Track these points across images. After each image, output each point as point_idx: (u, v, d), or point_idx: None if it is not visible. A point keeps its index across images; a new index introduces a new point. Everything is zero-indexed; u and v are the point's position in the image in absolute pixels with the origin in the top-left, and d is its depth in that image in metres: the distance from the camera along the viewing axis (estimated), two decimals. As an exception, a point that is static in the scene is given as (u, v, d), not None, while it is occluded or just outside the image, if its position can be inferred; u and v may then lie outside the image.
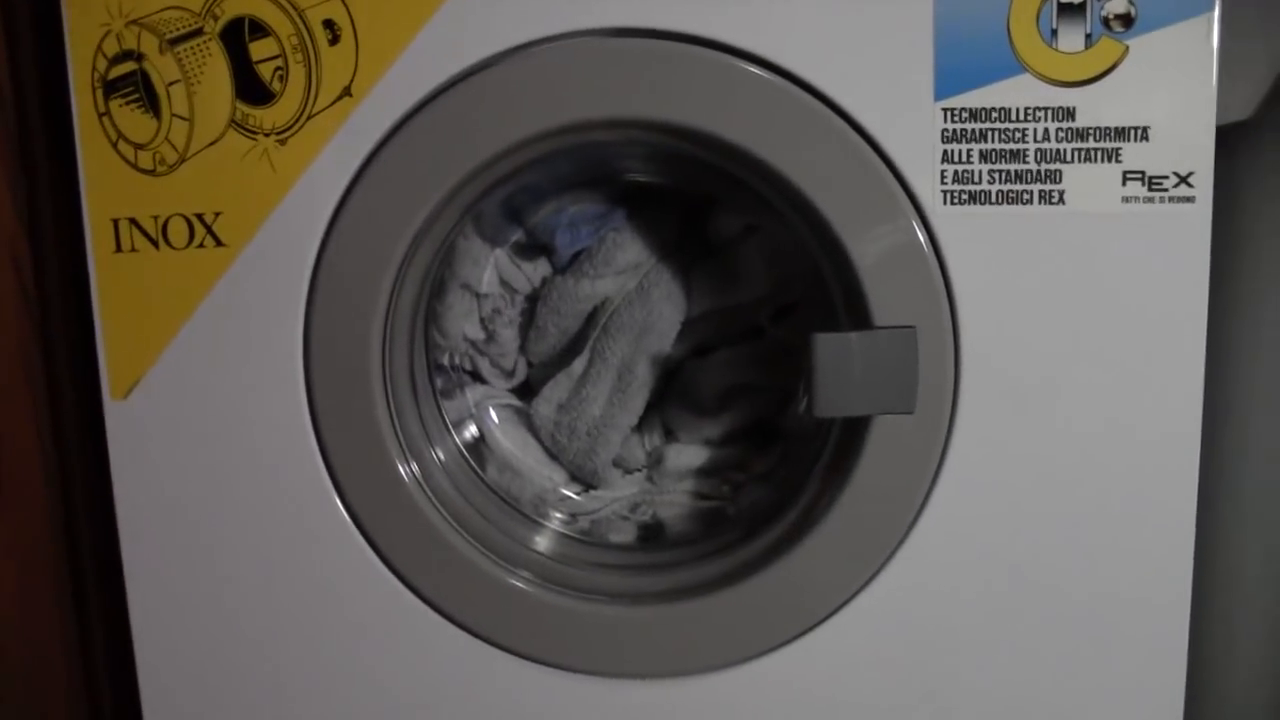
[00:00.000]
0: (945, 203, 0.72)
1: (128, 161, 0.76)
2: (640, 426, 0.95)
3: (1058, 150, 0.71)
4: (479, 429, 0.95)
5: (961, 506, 0.76)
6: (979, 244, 0.73)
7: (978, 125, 0.72)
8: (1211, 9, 0.69)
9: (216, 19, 0.74)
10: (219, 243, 0.77)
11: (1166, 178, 0.71)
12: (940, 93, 0.71)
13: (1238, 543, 0.88)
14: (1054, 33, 0.70)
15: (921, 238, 0.73)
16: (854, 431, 0.77)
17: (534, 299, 0.94)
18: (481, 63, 0.74)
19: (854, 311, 0.75)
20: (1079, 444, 0.75)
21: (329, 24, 0.73)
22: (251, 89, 0.75)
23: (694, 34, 0.72)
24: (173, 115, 0.76)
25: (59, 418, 0.86)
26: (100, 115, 0.76)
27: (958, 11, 0.70)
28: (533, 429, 0.96)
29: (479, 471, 0.92)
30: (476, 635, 0.81)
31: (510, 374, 0.96)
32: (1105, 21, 0.70)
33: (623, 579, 0.86)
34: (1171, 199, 0.71)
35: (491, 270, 0.92)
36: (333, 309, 0.77)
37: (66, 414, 0.86)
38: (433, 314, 0.90)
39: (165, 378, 0.79)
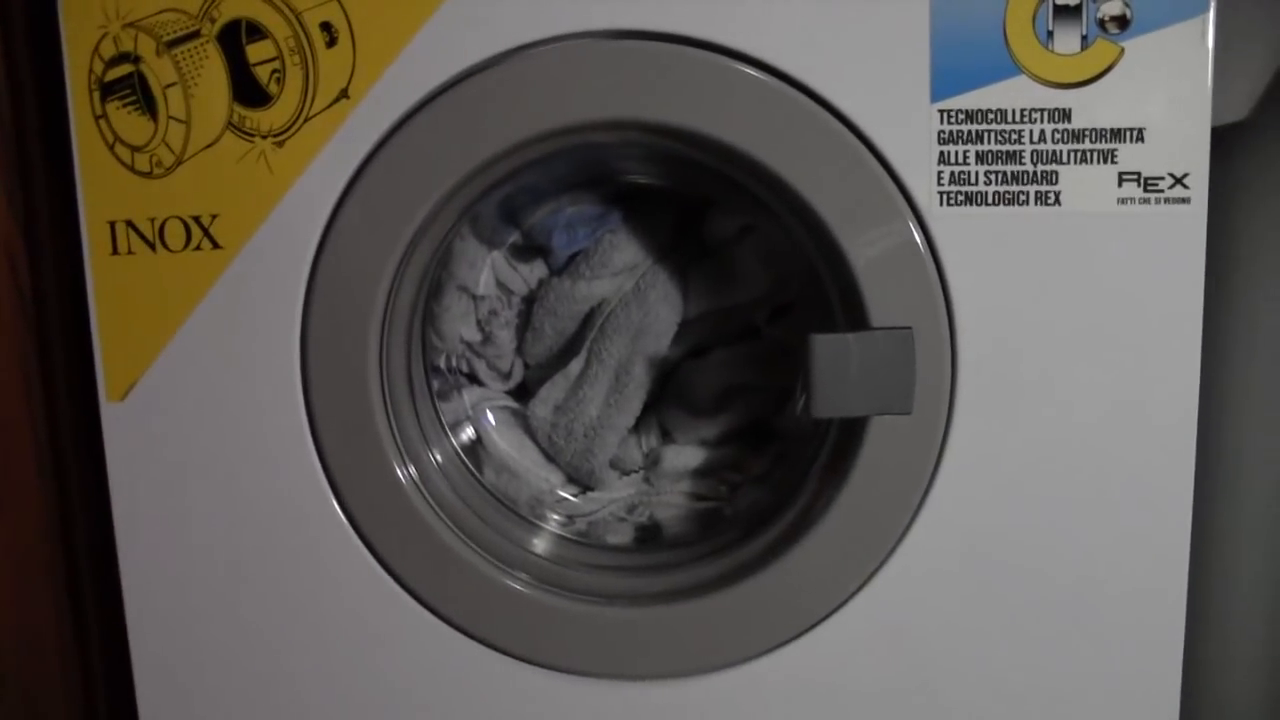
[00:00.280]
0: (941, 204, 0.73)
1: (124, 164, 0.76)
2: (637, 428, 0.95)
3: (1054, 151, 0.72)
4: (476, 431, 0.95)
5: (958, 506, 0.76)
6: (975, 245, 0.73)
7: (974, 126, 0.72)
8: (1206, 11, 0.70)
9: (213, 21, 0.74)
10: (216, 245, 0.77)
11: (1162, 179, 0.71)
12: (937, 94, 0.71)
13: (1234, 543, 0.88)
14: (1050, 34, 0.70)
15: (918, 239, 0.73)
16: (851, 432, 0.77)
17: (531, 301, 0.94)
18: (479, 65, 0.74)
19: (851, 312, 0.75)
20: (1075, 444, 0.75)
21: (326, 26, 0.73)
22: (248, 91, 0.75)
23: (690, 36, 0.72)
24: (169, 117, 0.76)
25: (55, 420, 0.86)
26: (97, 118, 0.76)
27: (954, 13, 0.70)
28: (529, 431, 0.96)
29: (476, 473, 0.92)
30: (473, 637, 0.81)
31: (507, 376, 0.96)
32: (1101, 23, 0.70)
33: (620, 580, 0.86)
34: (1167, 200, 0.71)
35: (488, 272, 0.92)
36: (330, 311, 0.77)
37: (63, 416, 0.86)
38: (430, 316, 0.90)
39: (162, 380, 0.79)
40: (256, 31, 0.74)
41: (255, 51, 0.74)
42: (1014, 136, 0.72)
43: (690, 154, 0.76)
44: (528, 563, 0.85)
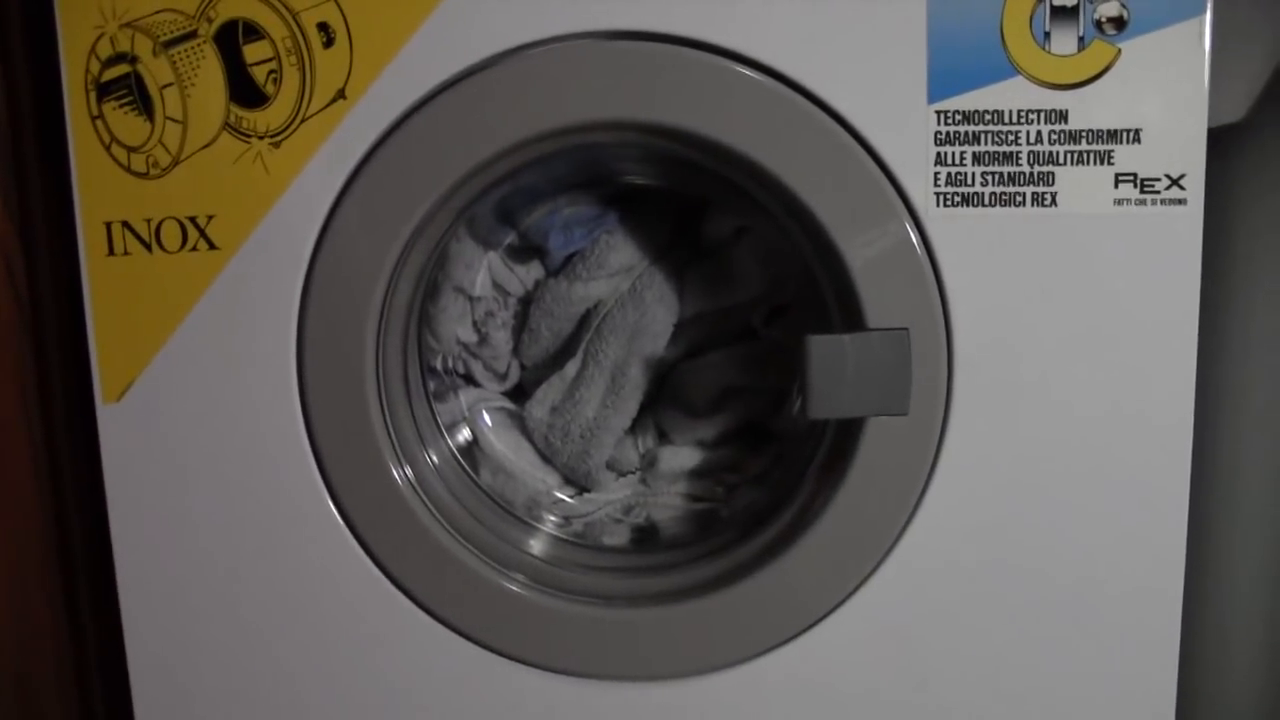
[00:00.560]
0: (938, 205, 0.73)
1: (121, 164, 0.76)
2: (633, 428, 0.95)
3: (1050, 153, 0.72)
4: (472, 432, 0.95)
5: (955, 507, 0.76)
6: (972, 246, 0.73)
7: (971, 128, 0.72)
8: (1203, 12, 0.70)
9: (210, 21, 0.74)
10: (212, 246, 0.77)
11: (1159, 180, 0.71)
12: (933, 95, 0.71)
13: (1231, 544, 0.88)
14: (1047, 35, 0.70)
15: (914, 240, 0.73)
16: (848, 433, 0.77)
17: (527, 301, 0.94)
18: (476, 65, 0.74)
19: (847, 313, 0.75)
20: (1072, 444, 0.75)
21: (323, 27, 0.73)
22: (245, 92, 0.75)
23: (687, 36, 0.72)
24: (166, 118, 0.75)
25: (51, 421, 0.86)
26: (93, 118, 0.76)
27: (951, 14, 0.70)
28: (526, 432, 0.96)
29: (472, 474, 0.92)
30: (470, 638, 0.81)
31: (503, 377, 0.96)
32: (1098, 24, 0.70)
33: (617, 581, 0.86)
34: (1163, 201, 0.72)
35: (485, 273, 0.92)
36: (327, 312, 0.77)
37: (59, 417, 0.86)
38: (426, 317, 0.90)
39: (158, 381, 0.79)
40: (253, 32, 0.74)
41: (252, 52, 0.74)
42: (1011, 137, 0.72)
43: (687, 155, 0.76)
44: (524, 564, 0.85)
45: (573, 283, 0.91)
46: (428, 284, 0.87)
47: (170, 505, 0.81)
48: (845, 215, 0.73)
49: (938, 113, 0.72)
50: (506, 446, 0.96)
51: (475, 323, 0.93)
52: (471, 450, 0.94)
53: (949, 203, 0.73)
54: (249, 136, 0.75)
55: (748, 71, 0.72)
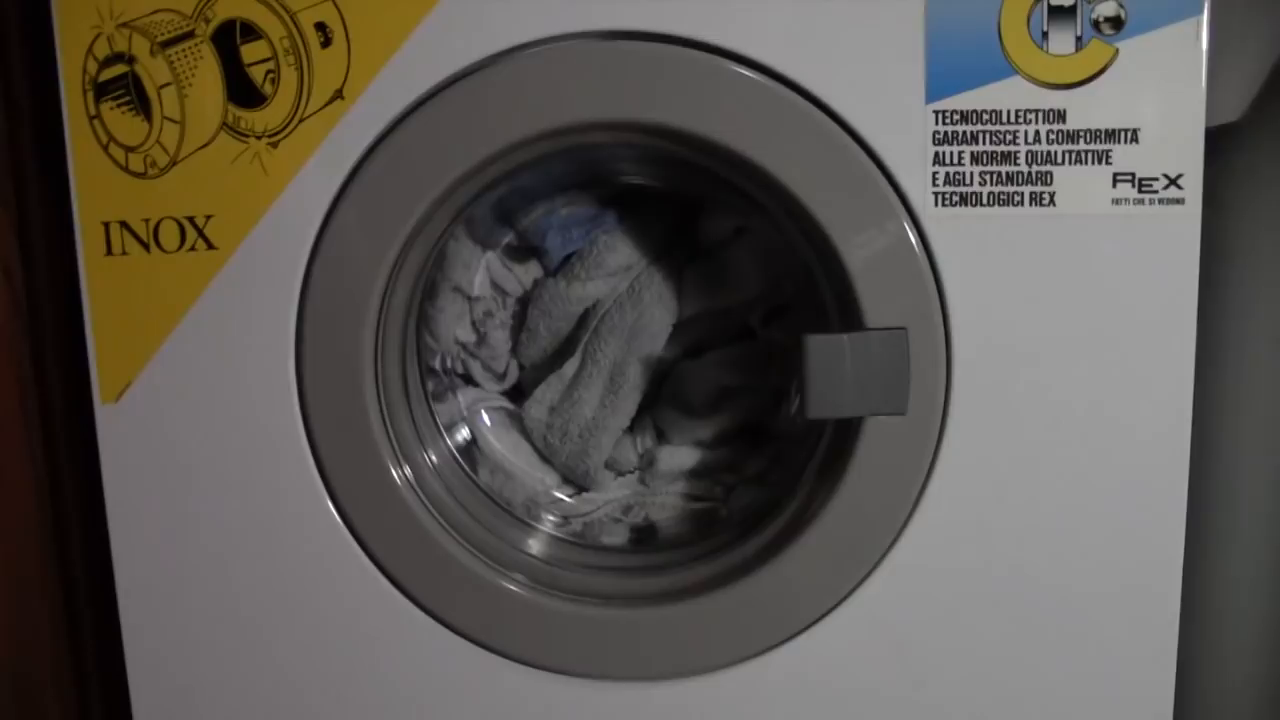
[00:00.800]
0: (936, 204, 0.73)
1: (118, 164, 0.76)
2: (632, 428, 0.95)
3: (1048, 152, 0.72)
4: (471, 432, 0.95)
5: (953, 507, 0.76)
6: (970, 245, 0.73)
7: (969, 127, 0.72)
8: (1200, 12, 0.70)
9: (208, 21, 0.74)
10: (210, 246, 0.77)
11: (1156, 179, 0.71)
12: (931, 95, 0.72)
13: (1229, 543, 0.88)
14: (1045, 35, 0.70)
15: (913, 239, 0.73)
16: (846, 433, 0.77)
17: (525, 301, 0.94)
18: (473, 65, 0.74)
19: (846, 313, 0.75)
20: (1070, 444, 0.75)
21: (321, 26, 0.73)
22: (243, 92, 0.75)
23: (684, 36, 0.72)
24: (164, 118, 0.75)
25: (50, 421, 0.86)
26: (91, 118, 0.76)
27: (949, 14, 0.71)
28: (524, 432, 0.96)
29: (471, 474, 0.92)
30: (469, 638, 0.81)
31: (502, 377, 0.96)
32: (1096, 24, 0.70)
33: (615, 581, 0.86)
34: (1161, 201, 0.72)
35: (483, 273, 0.92)
36: (325, 312, 0.77)
37: (57, 417, 0.86)
38: (424, 317, 0.90)
39: (157, 381, 0.79)
40: (251, 32, 0.74)
41: (250, 52, 0.74)
42: (1009, 137, 0.72)
43: (685, 155, 0.76)
44: (523, 563, 0.85)
45: (571, 283, 0.91)
46: (426, 284, 0.87)
47: (169, 505, 0.81)
48: (843, 215, 0.73)
49: (936, 112, 0.72)
50: (505, 446, 0.96)
51: (474, 323, 0.93)
52: (470, 450, 0.94)
53: (947, 202, 0.73)
54: (247, 136, 0.75)
55: (746, 71, 0.72)
